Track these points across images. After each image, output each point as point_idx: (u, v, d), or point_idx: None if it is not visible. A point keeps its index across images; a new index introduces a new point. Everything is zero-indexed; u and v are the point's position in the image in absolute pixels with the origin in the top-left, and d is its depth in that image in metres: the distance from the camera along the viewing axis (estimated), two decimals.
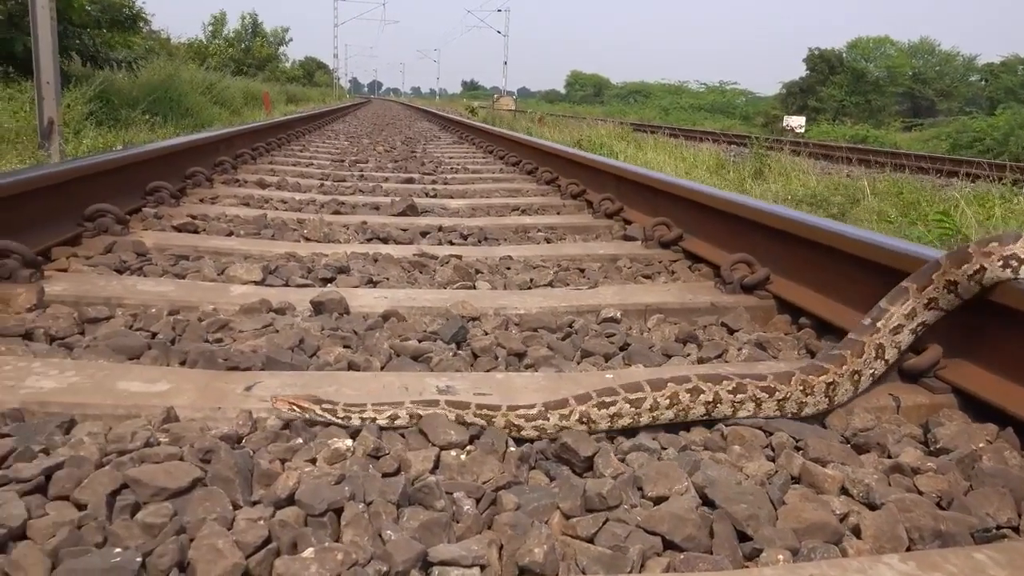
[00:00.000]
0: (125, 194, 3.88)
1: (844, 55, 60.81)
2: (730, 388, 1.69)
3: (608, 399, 1.63)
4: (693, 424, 1.71)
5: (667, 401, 1.65)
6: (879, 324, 1.83)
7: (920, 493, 1.43)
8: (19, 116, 10.96)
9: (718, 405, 1.68)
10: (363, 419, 1.60)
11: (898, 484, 1.45)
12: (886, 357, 1.84)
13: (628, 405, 1.63)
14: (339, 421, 1.60)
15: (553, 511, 1.35)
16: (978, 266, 1.81)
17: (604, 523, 1.29)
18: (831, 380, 1.75)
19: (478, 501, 1.36)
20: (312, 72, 73.77)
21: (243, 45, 53.01)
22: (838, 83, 58.58)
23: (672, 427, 1.70)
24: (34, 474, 1.33)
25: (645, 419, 1.66)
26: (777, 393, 1.71)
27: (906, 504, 1.34)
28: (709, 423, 1.72)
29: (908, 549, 1.27)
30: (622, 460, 1.52)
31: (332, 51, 72.81)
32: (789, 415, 1.73)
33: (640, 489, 1.41)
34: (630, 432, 1.67)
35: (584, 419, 1.61)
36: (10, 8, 12.76)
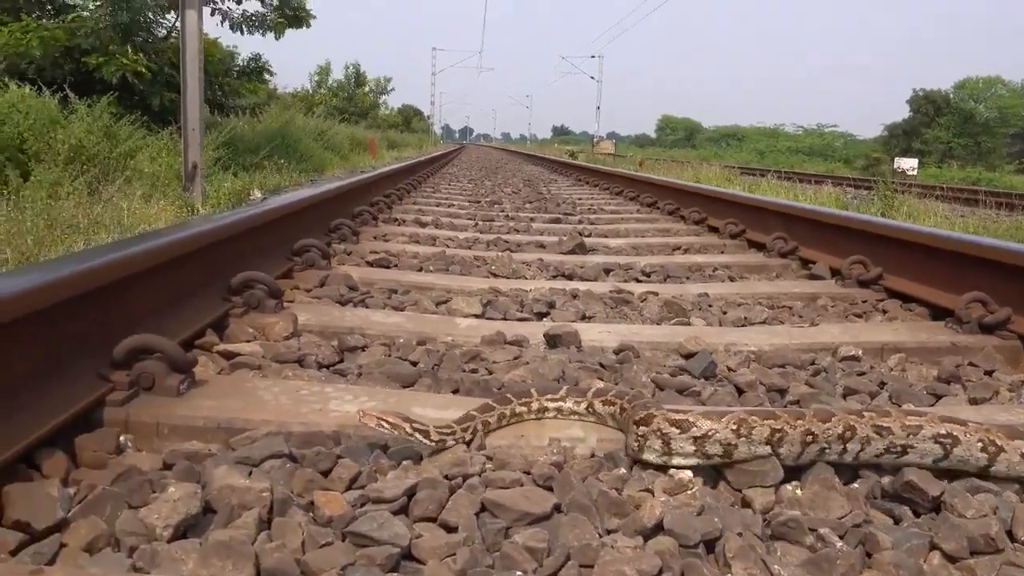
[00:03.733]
0: (315, 231, 4.02)
1: (951, 96, 58.93)
2: None
3: None
4: None
5: None
6: None
7: None
8: (157, 161, 11.49)
9: None
10: (456, 439, 1.60)
11: None
12: None
13: None
14: (431, 443, 1.58)
15: (929, 551, 1.28)
16: None
17: (1000, 566, 1.22)
18: None
19: (842, 537, 1.31)
20: (409, 119, 75.97)
21: (346, 94, 55.02)
22: (945, 125, 56.72)
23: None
24: (396, 495, 1.35)
25: None
26: None
27: None
28: None
29: None
30: None
31: (429, 98, 74.89)
32: None
33: (1009, 532, 1.34)
34: (952, 474, 1.58)
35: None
36: (153, 66, 13.55)
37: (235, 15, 16.19)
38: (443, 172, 14.27)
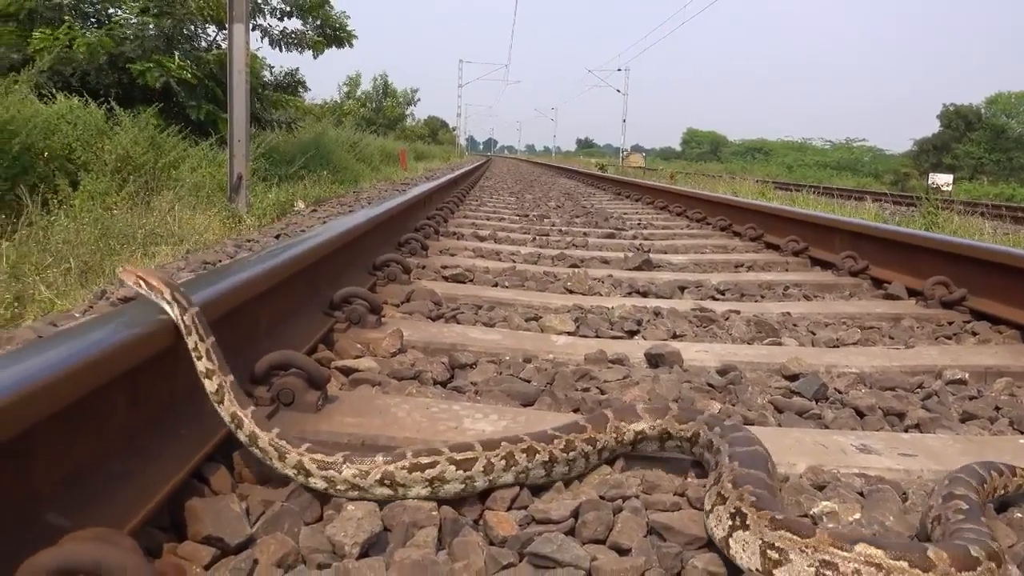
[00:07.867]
0: (387, 246, 4.06)
1: (982, 111, 58.34)
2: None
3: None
4: None
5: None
6: None
7: None
8: (199, 172, 11.56)
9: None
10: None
11: None
12: None
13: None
14: (182, 325, 1.45)
15: None
16: None
17: None
18: None
19: (1019, 566, 1.30)
20: (436, 130, 76.58)
21: (374, 105, 55.48)
22: (976, 140, 56.14)
23: None
24: (564, 516, 1.36)
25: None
26: None
27: None
28: None
29: None
30: None
31: (455, 111, 75.26)
32: None
33: None
34: None
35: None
36: (199, 73, 13.68)
37: (275, 32, 16.39)
38: (481, 185, 14.32)
